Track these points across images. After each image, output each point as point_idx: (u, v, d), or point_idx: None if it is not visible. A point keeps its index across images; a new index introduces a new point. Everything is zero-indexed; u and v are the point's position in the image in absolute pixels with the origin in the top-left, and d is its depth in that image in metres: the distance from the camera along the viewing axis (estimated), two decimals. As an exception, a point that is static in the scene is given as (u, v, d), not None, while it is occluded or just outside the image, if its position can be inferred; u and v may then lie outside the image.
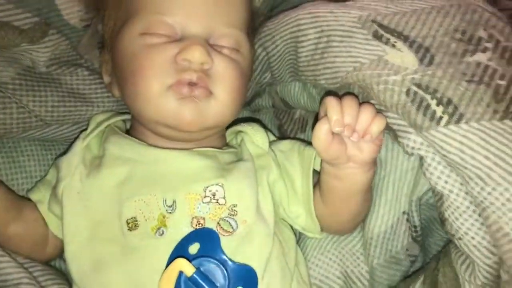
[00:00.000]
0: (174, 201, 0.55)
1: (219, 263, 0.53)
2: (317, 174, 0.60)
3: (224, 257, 0.54)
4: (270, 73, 0.71)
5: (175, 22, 0.57)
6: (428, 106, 0.47)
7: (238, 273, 0.53)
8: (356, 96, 0.54)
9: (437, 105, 0.46)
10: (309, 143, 0.65)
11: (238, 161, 0.61)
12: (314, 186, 0.60)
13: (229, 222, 0.56)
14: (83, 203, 0.58)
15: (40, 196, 0.63)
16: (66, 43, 0.64)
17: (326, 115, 0.52)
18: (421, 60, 0.48)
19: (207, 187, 0.56)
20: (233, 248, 0.55)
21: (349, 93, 0.55)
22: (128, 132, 0.66)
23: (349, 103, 0.51)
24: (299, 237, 0.68)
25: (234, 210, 0.56)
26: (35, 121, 0.64)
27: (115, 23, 0.62)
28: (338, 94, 0.57)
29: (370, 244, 0.61)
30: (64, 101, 0.65)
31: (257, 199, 0.58)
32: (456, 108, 0.46)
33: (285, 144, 0.65)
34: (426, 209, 0.61)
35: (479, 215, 0.48)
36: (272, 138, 0.68)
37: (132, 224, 0.55)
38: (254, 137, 0.64)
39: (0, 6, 0.56)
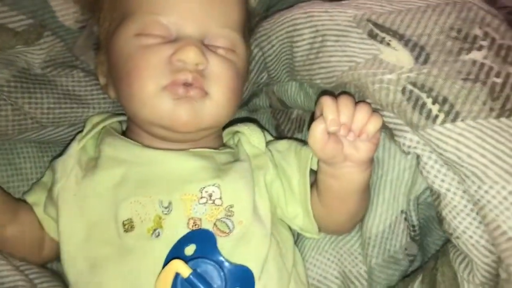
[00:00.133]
0: (170, 202, 0.55)
1: (215, 264, 0.53)
2: (314, 173, 0.60)
3: (221, 258, 0.54)
4: (267, 73, 0.71)
5: (170, 23, 0.56)
6: (424, 104, 0.47)
7: (234, 274, 0.53)
8: (352, 95, 0.53)
9: (433, 103, 0.46)
10: (306, 142, 0.65)
11: (235, 162, 0.61)
12: (312, 185, 0.60)
13: (226, 223, 0.55)
14: (79, 205, 0.58)
15: (36, 198, 0.63)
16: (61, 45, 0.64)
17: (322, 114, 0.52)
18: (416, 59, 0.48)
19: (203, 187, 0.56)
20: (230, 249, 0.54)
21: (345, 92, 0.54)
22: (124, 133, 0.66)
23: (345, 102, 0.51)
24: (297, 237, 0.67)
25: (231, 210, 0.56)
26: (31, 123, 0.64)
27: (110, 24, 0.62)
28: (334, 93, 0.56)
29: (368, 244, 0.61)
30: (59, 103, 0.65)
31: (253, 200, 0.58)
32: (452, 106, 0.45)
33: (282, 144, 0.65)
34: (425, 208, 0.60)
35: (477, 213, 0.47)
36: (269, 138, 0.68)
37: (128, 226, 0.55)
38: (251, 137, 0.64)
39: (-5, 8, 0.56)
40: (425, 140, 0.48)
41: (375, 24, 0.51)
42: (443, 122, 0.46)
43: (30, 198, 0.63)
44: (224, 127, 0.67)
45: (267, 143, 0.65)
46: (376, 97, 0.50)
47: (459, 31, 0.49)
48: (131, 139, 0.62)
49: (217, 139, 0.66)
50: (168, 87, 0.55)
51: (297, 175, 0.60)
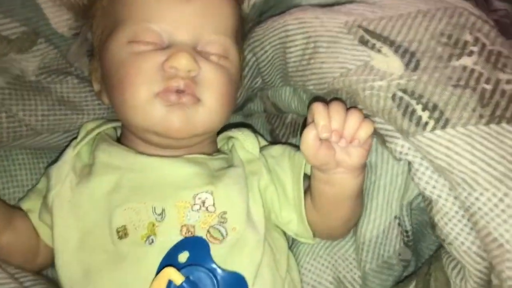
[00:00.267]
0: (163, 209, 0.55)
1: (208, 272, 0.53)
2: (308, 179, 0.60)
3: (214, 265, 0.54)
4: (261, 78, 0.71)
5: (162, 30, 0.56)
6: (413, 111, 0.47)
7: (228, 281, 0.53)
8: (344, 102, 0.53)
9: (423, 110, 0.46)
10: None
11: (228, 168, 0.61)
12: (306, 191, 0.60)
13: (219, 230, 0.55)
14: (74, 212, 0.58)
15: (31, 205, 0.63)
16: (55, 52, 0.64)
17: (313, 121, 0.52)
18: (406, 65, 0.48)
19: (196, 194, 0.56)
20: (223, 256, 0.54)
21: (337, 99, 0.54)
22: (119, 139, 0.66)
23: (336, 109, 0.51)
24: (292, 243, 0.67)
25: (224, 217, 0.56)
26: (25, 130, 0.64)
27: (102, 31, 0.62)
28: (326, 99, 0.56)
29: (362, 249, 0.61)
30: (54, 110, 0.65)
31: (247, 206, 0.58)
32: (442, 113, 0.45)
33: (276, 149, 0.65)
34: (418, 213, 0.60)
35: (468, 220, 0.47)
36: (264, 143, 0.68)
37: (122, 233, 0.55)
38: (245, 143, 0.64)
39: (-12, 16, 0.56)
40: (415, 146, 0.48)
41: (366, 30, 0.51)
42: (433, 129, 0.46)
43: (25, 205, 0.63)
44: (219, 132, 0.67)
45: (261, 148, 0.65)
46: (367, 104, 0.50)
47: (449, 36, 0.49)
48: (125, 145, 0.62)
49: (211, 145, 0.66)
50: (160, 94, 0.55)
51: (291, 181, 0.61)
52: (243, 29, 0.67)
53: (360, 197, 0.59)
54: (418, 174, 0.50)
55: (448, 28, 0.49)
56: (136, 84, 0.55)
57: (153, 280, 0.52)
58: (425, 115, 0.46)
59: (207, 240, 0.55)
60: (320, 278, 0.64)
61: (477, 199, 0.44)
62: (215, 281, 0.53)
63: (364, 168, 0.55)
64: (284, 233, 0.64)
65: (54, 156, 0.71)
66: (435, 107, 0.46)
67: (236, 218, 0.56)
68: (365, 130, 0.51)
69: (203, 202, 0.56)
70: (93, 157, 0.61)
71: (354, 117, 0.51)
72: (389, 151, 0.52)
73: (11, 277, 0.57)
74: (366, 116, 0.52)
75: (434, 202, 0.49)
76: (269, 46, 0.62)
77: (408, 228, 0.59)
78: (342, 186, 0.55)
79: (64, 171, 0.61)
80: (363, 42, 0.51)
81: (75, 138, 0.65)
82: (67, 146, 0.66)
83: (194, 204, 0.56)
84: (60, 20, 0.63)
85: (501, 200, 0.43)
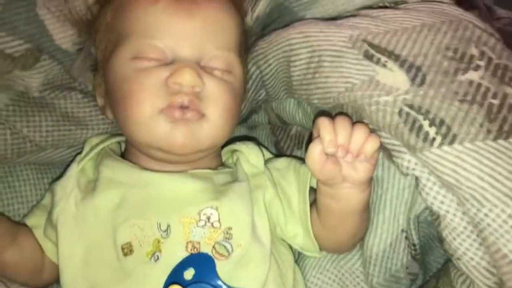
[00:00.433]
0: (168, 226, 0.55)
1: (214, 289, 0.53)
2: (314, 192, 0.60)
3: (220, 282, 0.53)
4: (265, 90, 0.71)
5: (165, 46, 0.56)
6: (420, 127, 0.46)
7: (234, 298, 0.53)
8: (349, 116, 0.53)
9: (430, 126, 0.46)
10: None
11: (233, 182, 0.60)
12: (311, 204, 0.59)
13: (225, 246, 0.55)
14: (78, 228, 0.58)
15: (36, 221, 0.62)
16: (58, 68, 0.64)
17: (319, 135, 0.52)
18: (412, 80, 0.48)
19: (201, 210, 0.56)
20: (229, 273, 0.54)
21: (342, 113, 0.54)
22: (123, 154, 0.66)
23: (342, 123, 0.51)
24: (298, 256, 0.67)
25: (229, 233, 0.56)
26: (30, 146, 0.64)
27: (106, 47, 0.62)
28: (331, 113, 0.56)
29: (369, 263, 0.60)
30: (58, 125, 0.65)
31: (252, 221, 0.57)
32: (449, 128, 0.45)
33: (281, 162, 0.64)
34: (425, 226, 0.60)
35: (477, 235, 0.47)
36: (268, 155, 0.67)
37: (127, 249, 0.55)
38: (249, 156, 0.63)
39: (-8, 34, 0.56)
40: (422, 162, 0.47)
41: (371, 45, 0.51)
42: (441, 144, 0.45)
43: (29, 221, 0.63)
44: (223, 145, 0.66)
45: (266, 161, 0.65)
46: (373, 119, 0.50)
47: (455, 50, 0.49)
48: (129, 160, 0.62)
49: (215, 159, 0.66)
50: (164, 110, 0.55)
51: (297, 194, 0.60)
52: (247, 42, 0.67)
53: (367, 211, 0.58)
54: (426, 189, 0.49)
55: (454, 42, 0.49)
56: (140, 100, 0.55)
57: (159, 298, 0.52)
58: (432, 131, 0.46)
59: (213, 257, 0.54)
60: (327, 292, 0.63)
61: (486, 215, 0.44)
62: (221, 299, 0.52)
63: (370, 182, 0.55)
64: (290, 247, 0.64)
65: (59, 172, 0.71)
66: (442, 122, 0.45)
67: (242, 234, 0.56)
68: (371, 145, 0.51)
69: (208, 218, 0.56)
70: (98, 172, 0.61)
71: (360, 132, 0.51)
72: (396, 166, 0.52)
73: (17, 295, 0.56)
74: (372, 131, 0.52)
75: (442, 217, 0.49)
76: (273, 59, 0.62)
77: (416, 241, 0.59)
78: (349, 201, 0.55)
79: (68, 186, 0.61)
80: (368, 56, 0.50)
81: (80, 153, 0.65)
82: (71, 161, 0.66)
83: (199, 220, 0.56)
84: (64, 36, 0.63)
85: (510, 216, 0.43)
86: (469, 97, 0.46)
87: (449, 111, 0.45)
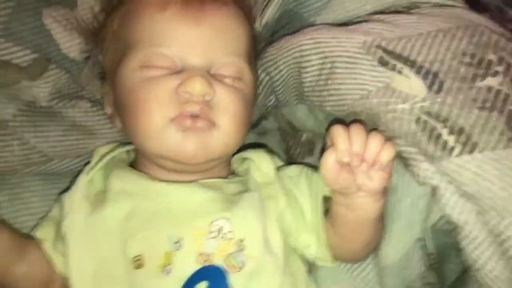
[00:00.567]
0: (179, 238, 0.54)
1: (228, 302, 0.52)
2: (326, 201, 0.59)
3: (233, 295, 0.52)
4: (274, 96, 0.70)
5: (174, 54, 0.56)
6: (439, 135, 0.45)
7: (247, 311, 0.52)
8: (364, 124, 0.52)
9: (449, 134, 0.45)
10: (317, 167, 0.63)
11: (244, 192, 0.59)
12: (325, 213, 0.58)
13: (237, 258, 0.54)
14: (88, 241, 0.57)
15: (45, 234, 0.61)
16: (66, 77, 0.64)
17: (333, 144, 0.51)
18: (429, 87, 0.47)
19: (212, 221, 0.55)
20: (242, 285, 0.53)
21: (357, 120, 0.53)
22: (133, 164, 0.65)
23: (357, 131, 0.50)
24: (311, 266, 0.66)
25: (242, 244, 0.54)
26: (38, 157, 0.63)
27: (114, 55, 0.61)
28: (345, 121, 0.55)
29: (385, 273, 0.59)
30: (67, 135, 0.65)
31: (265, 232, 0.56)
32: (469, 137, 0.44)
33: (293, 170, 0.63)
34: (441, 235, 0.58)
35: (498, 246, 0.45)
36: (279, 163, 0.66)
37: (138, 263, 0.54)
38: (261, 165, 0.62)
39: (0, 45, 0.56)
40: (441, 172, 0.46)
41: (386, 51, 0.50)
42: (460, 153, 0.44)
43: (38, 234, 0.61)
44: (233, 153, 0.65)
45: (277, 168, 0.64)
46: (389, 127, 0.48)
47: (472, 56, 0.47)
48: (139, 170, 0.61)
49: (226, 168, 0.65)
50: (175, 120, 0.54)
51: (309, 203, 0.59)
52: (256, 49, 0.66)
53: (381, 221, 0.57)
54: (444, 198, 0.48)
55: (470, 47, 0.48)
56: (150, 110, 0.54)
57: (172, 312, 0.51)
58: (451, 139, 0.44)
59: (225, 269, 0.53)
60: (342, 302, 0.62)
61: (506, 227, 0.43)
62: (235, 312, 0.51)
63: (385, 191, 0.54)
64: (302, 257, 0.63)
65: (66, 182, 0.69)
66: (461, 130, 0.44)
67: (254, 245, 0.55)
68: (387, 153, 0.49)
69: (220, 229, 0.55)
70: (107, 183, 0.60)
71: (375, 140, 0.49)
72: (412, 175, 0.51)
73: (26, 309, 0.56)
74: (387, 139, 0.50)
75: (460, 228, 0.48)
76: (284, 65, 0.61)
77: (433, 250, 0.57)
78: (363, 210, 0.54)
79: (77, 199, 0.60)
80: (382, 63, 0.49)
81: (88, 163, 0.64)
82: (79, 171, 0.65)
83: (211, 232, 0.55)
84: (71, 45, 0.62)
85: (533, 227, 0.42)
86: (488, 104, 0.44)
87: (468, 119, 0.44)
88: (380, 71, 0.49)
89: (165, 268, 0.53)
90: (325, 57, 0.54)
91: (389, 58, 0.49)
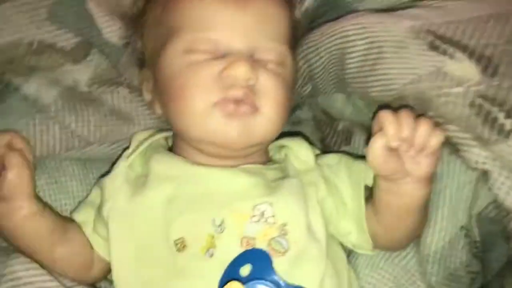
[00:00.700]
0: (222, 221, 0.54)
1: (273, 286, 0.51)
2: (367, 189, 0.58)
3: (278, 278, 0.52)
4: (311, 85, 0.70)
5: (219, 39, 0.55)
6: (495, 119, 0.45)
7: (292, 296, 0.52)
8: (412, 109, 0.51)
9: (506, 118, 0.44)
10: (354, 155, 0.63)
11: (285, 178, 0.59)
12: (365, 202, 0.58)
13: (280, 242, 0.54)
14: (129, 224, 0.57)
15: (84, 217, 0.62)
16: (106, 62, 0.64)
17: (380, 129, 0.50)
18: (483, 71, 0.46)
19: (255, 205, 0.55)
20: (286, 270, 0.53)
21: (404, 106, 0.52)
22: (171, 149, 0.65)
23: (406, 117, 0.49)
24: (349, 254, 0.65)
25: (285, 229, 0.54)
26: (77, 141, 0.64)
27: (155, 41, 0.61)
28: (391, 106, 0.54)
29: (427, 261, 0.58)
30: (106, 120, 0.65)
31: (307, 217, 0.56)
32: (526, 120, 0.43)
33: (332, 158, 0.63)
34: (487, 223, 0.58)
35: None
36: (317, 151, 0.66)
37: (180, 245, 0.54)
38: (299, 152, 0.62)
39: (44, 27, 0.56)
40: (496, 155, 0.45)
41: (436, 35, 0.49)
42: (517, 137, 0.44)
43: (78, 217, 0.62)
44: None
45: (316, 157, 0.64)
46: (441, 111, 0.48)
47: (527, 40, 0.47)
48: (179, 155, 0.61)
49: (264, 155, 0.64)
50: (218, 104, 0.54)
51: (350, 191, 0.59)
52: (296, 36, 0.65)
53: (426, 208, 0.57)
54: (497, 184, 0.47)
55: (524, 32, 0.47)
56: (194, 94, 0.54)
57: (219, 295, 0.51)
58: (508, 123, 0.44)
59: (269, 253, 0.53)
60: (381, 291, 0.62)
61: None
62: (280, 296, 0.51)
63: (432, 178, 0.53)
64: (341, 244, 0.62)
65: (103, 167, 0.70)
66: (518, 114, 0.44)
67: (297, 230, 0.55)
68: (436, 139, 0.49)
69: (262, 214, 0.55)
70: (147, 168, 0.60)
71: (424, 125, 0.49)
72: (463, 160, 0.50)
73: (68, 290, 0.56)
74: (436, 124, 0.50)
75: (513, 213, 0.47)
76: (325, 52, 0.61)
77: (478, 238, 0.57)
78: (410, 196, 0.53)
79: (118, 182, 0.60)
80: (433, 47, 0.49)
81: (126, 148, 0.64)
82: (116, 157, 0.65)
83: (253, 216, 0.54)
84: (111, 30, 0.63)
85: None
86: (546, 88, 0.44)
87: (526, 103, 0.44)
88: (430, 55, 0.49)
89: (208, 250, 0.53)
90: (371, 42, 0.53)
91: (440, 42, 0.49)
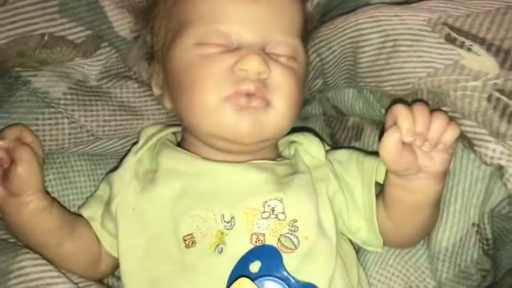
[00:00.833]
0: (232, 217, 0.53)
1: (283, 283, 0.51)
2: (377, 186, 0.57)
3: (287, 275, 0.51)
4: (322, 79, 0.69)
5: (231, 32, 0.55)
6: (512, 113, 0.44)
7: (302, 292, 0.51)
8: (427, 103, 0.50)
9: (524, 112, 0.43)
10: (364, 151, 0.62)
11: (295, 174, 0.58)
12: (376, 198, 0.57)
13: (290, 239, 0.53)
14: (138, 220, 0.57)
15: (92, 212, 0.61)
16: (116, 56, 0.63)
17: (394, 124, 0.49)
18: (502, 64, 0.45)
19: (265, 201, 0.54)
20: (296, 266, 0.52)
21: (419, 100, 0.52)
22: (180, 145, 0.64)
23: (421, 111, 0.49)
24: (358, 251, 0.65)
25: (295, 225, 0.54)
26: (86, 136, 0.63)
27: (166, 34, 0.61)
28: (406, 101, 0.54)
29: (438, 258, 0.58)
30: (115, 115, 0.64)
31: (317, 214, 0.55)
32: (545, 115, 0.42)
33: (342, 154, 0.62)
34: (498, 220, 0.57)
35: None
36: (327, 147, 0.65)
37: (189, 241, 0.53)
38: (310, 148, 0.62)
39: (55, 20, 0.55)
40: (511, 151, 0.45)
41: (452, 28, 0.48)
42: (536, 132, 0.43)
43: (86, 213, 0.62)
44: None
45: (326, 153, 0.63)
46: (458, 105, 0.47)
47: (545, 34, 0.46)
48: (187, 150, 0.60)
49: (274, 150, 0.64)
50: (230, 98, 0.53)
51: (360, 187, 0.58)
52: (307, 29, 0.65)
53: (438, 205, 0.56)
54: (513, 179, 0.47)
55: (543, 25, 0.46)
56: (205, 88, 0.54)
57: (228, 290, 0.50)
58: (526, 117, 0.43)
59: (279, 249, 0.52)
60: (391, 288, 0.61)
61: None
62: (290, 292, 0.50)
63: (446, 174, 0.52)
64: (351, 242, 0.62)
65: (112, 163, 0.70)
66: (537, 108, 0.43)
67: (308, 227, 0.54)
68: (451, 133, 0.48)
69: (273, 210, 0.54)
70: (156, 163, 0.60)
71: (439, 120, 0.48)
72: (476, 156, 0.49)
73: (76, 286, 0.55)
74: (451, 119, 0.49)
75: (529, 210, 0.46)
76: (337, 46, 0.60)
77: (489, 236, 0.56)
78: (423, 193, 0.52)
79: (126, 178, 0.60)
80: (450, 40, 0.48)
81: (135, 143, 0.64)
82: (124, 153, 0.64)
83: (264, 212, 0.54)
84: (122, 23, 0.62)
85: None
86: None
87: (544, 97, 0.43)
88: (447, 48, 0.48)
89: (217, 247, 0.52)
90: (387, 35, 0.52)
91: (457, 35, 0.48)
